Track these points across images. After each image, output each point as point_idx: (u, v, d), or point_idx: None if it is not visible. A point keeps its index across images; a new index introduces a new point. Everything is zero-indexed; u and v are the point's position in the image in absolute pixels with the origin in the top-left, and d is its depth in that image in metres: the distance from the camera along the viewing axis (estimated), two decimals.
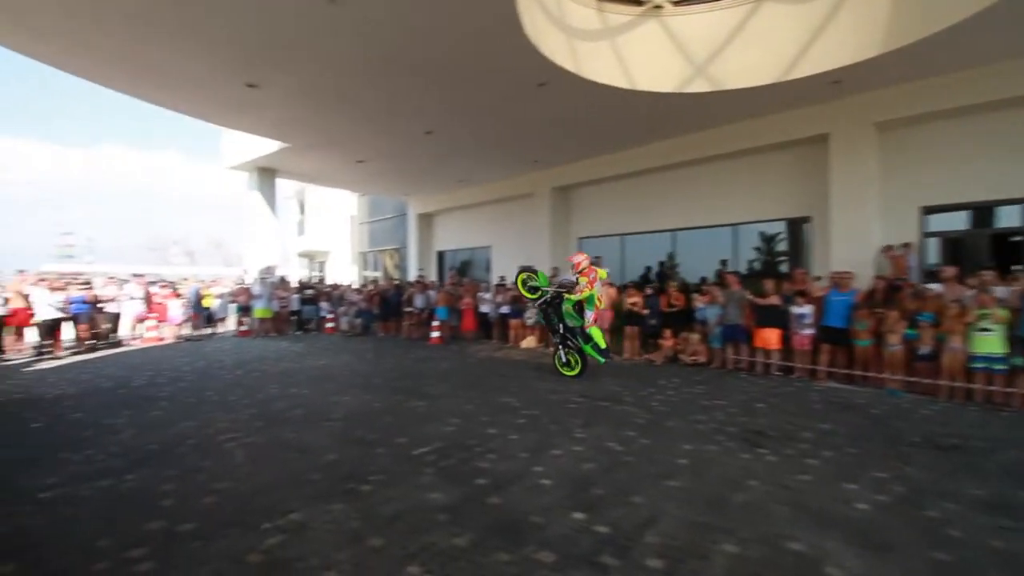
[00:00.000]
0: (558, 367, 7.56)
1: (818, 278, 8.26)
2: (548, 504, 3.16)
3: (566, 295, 7.26)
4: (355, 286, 16.47)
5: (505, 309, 11.51)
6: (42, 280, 10.89)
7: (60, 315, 10.20)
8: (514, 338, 11.22)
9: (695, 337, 8.30)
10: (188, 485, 3.47)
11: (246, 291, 13.51)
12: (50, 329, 10.11)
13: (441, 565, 2.48)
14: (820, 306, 7.27)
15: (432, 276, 17.74)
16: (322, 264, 26.74)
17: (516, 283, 8.22)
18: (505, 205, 16.16)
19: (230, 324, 13.93)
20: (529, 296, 8.04)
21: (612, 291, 9.90)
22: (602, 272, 7.21)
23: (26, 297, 9.96)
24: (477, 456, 4.03)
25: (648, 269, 12.46)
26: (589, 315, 7.08)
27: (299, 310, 14.47)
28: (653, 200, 12.33)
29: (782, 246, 10.81)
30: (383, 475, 3.63)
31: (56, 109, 68.84)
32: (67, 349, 10.47)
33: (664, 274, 12.02)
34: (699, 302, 8.47)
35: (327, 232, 25.39)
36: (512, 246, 15.79)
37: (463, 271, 17.67)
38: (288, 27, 6.68)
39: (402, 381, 7.23)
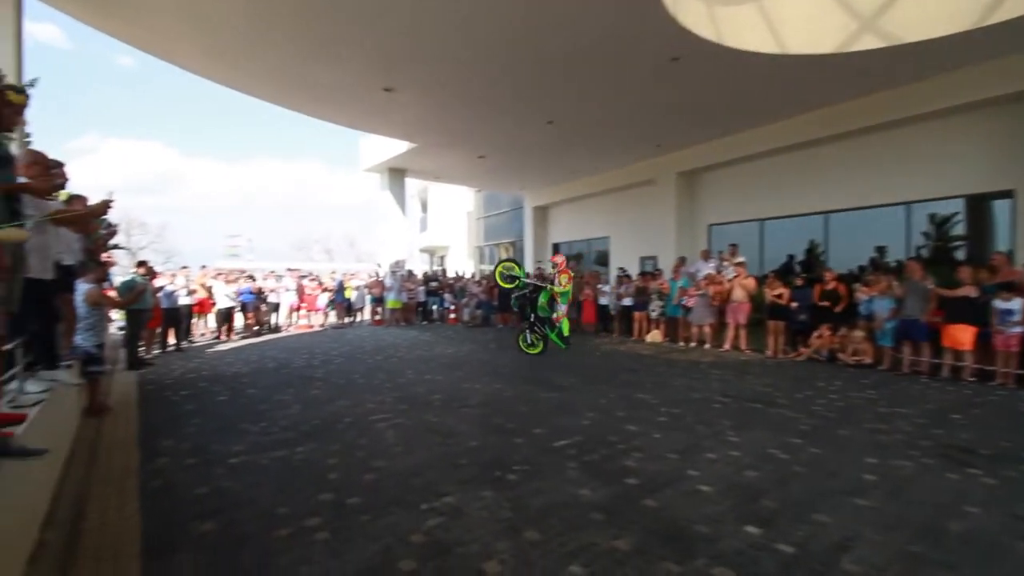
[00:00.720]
0: (521, 346, 8.66)
1: None
2: (713, 514, 2.84)
3: (549, 286, 8.29)
4: (476, 278, 16.99)
5: (628, 301, 11.09)
6: (219, 274, 12.68)
7: (233, 304, 11.80)
8: (637, 331, 10.77)
9: (859, 334, 7.20)
10: (350, 460, 3.70)
11: (379, 283, 14.59)
12: (226, 316, 11.76)
13: (605, 569, 2.31)
14: None
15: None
16: (442, 258, 28.12)
17: (494, 273, 9.10)
18: (623, 194, 15.55)
19: (366, 314, 15.14)
20: (506, 286, 8.81)
21: (750, 282, 9.04)
22: (570, 274, 8.46)
23: (209, 289, 11.65)
24: (621, 453, 3.81)
25: (791, 258, 11.17)
26: (562, 308, 8.25)
27: (425, 301, 15.32)
28: (797, 181, 10.93)
29: (958, 229, 8.94)
30: (527, 466, 3.56)
31: (219, 128, 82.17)
32: (237, 334, 12.10)
33: (811, 262, 10.70)
34: (863, 293, 7.36)
35: (446, 228, 26.61)
36: (632, 236, 15.16)
37: (578, 261, 17.42)
38: (423, 26, 6.92)
39: (528, 371, 7.22)
